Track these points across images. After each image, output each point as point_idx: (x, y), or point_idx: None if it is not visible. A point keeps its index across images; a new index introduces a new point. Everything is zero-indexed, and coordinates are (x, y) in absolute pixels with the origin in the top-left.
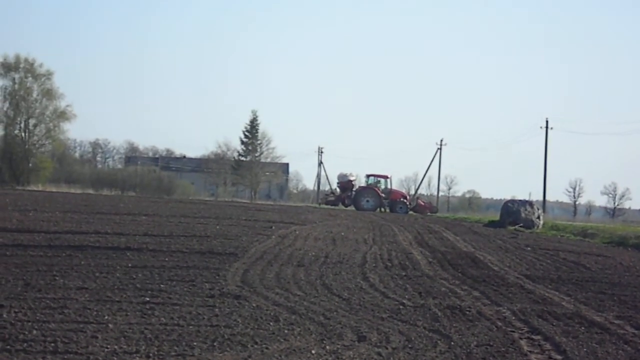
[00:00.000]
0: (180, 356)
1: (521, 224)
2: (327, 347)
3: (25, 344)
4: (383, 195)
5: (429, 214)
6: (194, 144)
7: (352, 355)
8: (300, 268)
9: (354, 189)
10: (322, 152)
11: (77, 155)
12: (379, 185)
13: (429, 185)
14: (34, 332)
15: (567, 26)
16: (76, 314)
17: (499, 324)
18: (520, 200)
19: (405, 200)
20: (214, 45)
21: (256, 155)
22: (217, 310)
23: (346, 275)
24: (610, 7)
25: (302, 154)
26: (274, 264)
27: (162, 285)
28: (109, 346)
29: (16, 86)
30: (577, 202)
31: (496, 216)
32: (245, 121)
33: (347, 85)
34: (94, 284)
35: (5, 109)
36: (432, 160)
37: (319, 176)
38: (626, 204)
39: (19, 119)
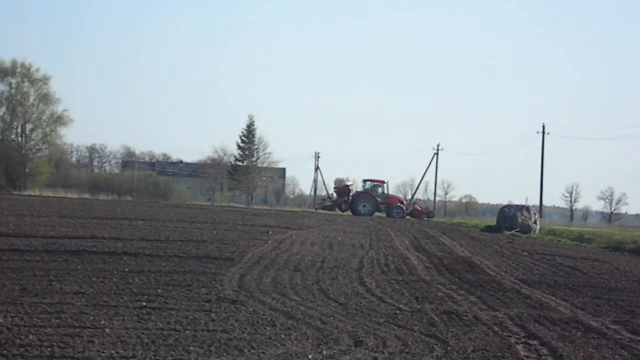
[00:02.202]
0: None
1: (518, 229)
2: (324, 352)
3: (22, 349)
4: (380, 200)
5: (425, 218)
6: (191, 148)
7: None
8: (297, 273)
9: (350, 194)
10: (318, 157)
11: (73, 160)
12: (376, 190)
13: (425, 190)
14: (31, 336)
15: (564, 31)
16: (73, 319)
17: (496, 328)
18: (517, 205)
19: (402, 205)
20: (210, 50)
21: (253, 160)
22: (213, 315)
23: (343, 280)
24: (608, 12)
25: (298, 159)
26: (270, 268)
27: (158, 290)
28: (105, 351)
29: (13, 91)
30: (573, 207)
31: (493, 221)
32: (242, 126)
33: (344, 90)
34: (91, 289)
35: (1, 113)
36: (428, 165)
37: (315, 181)
38: (623, 209)
39: (15, 123)
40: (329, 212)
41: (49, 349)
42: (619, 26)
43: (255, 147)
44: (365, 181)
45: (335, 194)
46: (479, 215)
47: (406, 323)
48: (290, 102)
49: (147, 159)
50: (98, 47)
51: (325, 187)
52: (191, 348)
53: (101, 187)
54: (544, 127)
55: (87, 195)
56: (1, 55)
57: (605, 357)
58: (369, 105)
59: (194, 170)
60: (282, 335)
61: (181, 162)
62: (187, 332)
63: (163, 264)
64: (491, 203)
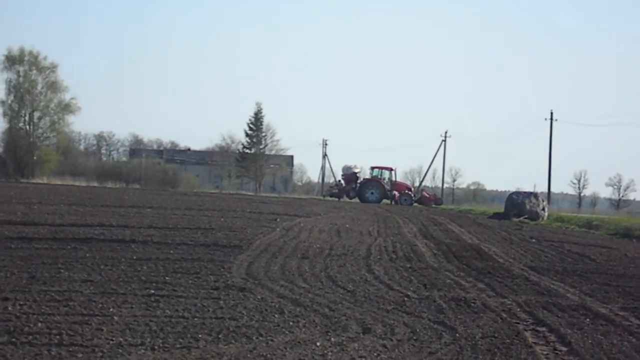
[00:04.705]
0: (185, 348)
1: (526, 216)
2: (332, 339)
3: (30, 337)
4: (387, 187)
5: (433, 205)
6: (199, 136)
7: (357, 347)
8: (305, 260)
9: (358, 181)
10: (326, 145)
11: (81, 148)
12: (383, 177)
13: (433, 177)
14: (39, 324)
15: (571, 17)
16: (81, 307)
17: (504, 315)
18: (525, 192)
19: (409, 192)
20: (218, 38)
21: (261, 147)
22: (222, 302)
23: (351, 267)
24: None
25: (306, 147)
26: (278, 256)
27: (167, 278)
28: (114, 338)
29: (21, 79)
30: (582, 194)
31: (501, 208)
32: (249, 113)
33: (352, 77)
34: (99, 277)
35: (9, 101)
36: (436, 152)
37: (323, 168)
38: (631, 196)
39: (23, 111)
40: (337, 199)
41: (57, 336)
42: (628, 13)
43: (263, 134)
44: (373, 168)
45: (343, 182)
46: (487, 202)
47: (414, 310)
48: (298, 89)
49: (155, 146)
50: (106, 35)
51: (333, 174)
52: (199, 335)
53: (109, 175)
54: (552, 113)
55: (95, 183)
56: (9, 43)
57: (614, 343)
58: (377, 93)
59: (202, 158)
60: (291, 323)
61: (189, 149)
62: (196, 319)
63: (171, 251)
64: (499, 190)
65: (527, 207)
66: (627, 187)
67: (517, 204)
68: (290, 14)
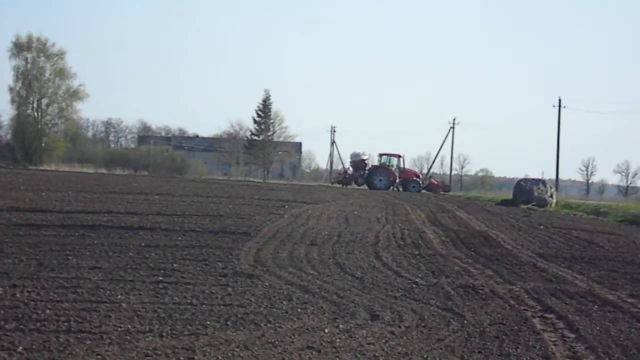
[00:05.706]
0: (193, 335)
1: (534, 203)
2: (340, 326)
3: (38, 324)
4: (396, 174)
5: (441, 192)
6: (207, 123)
7: (365, 334)
8: (313, 247)
9: (366, 168)
10: (334, 131)
11: (89, 134)
12: (391, 164)
13: (441, 164)
14: (47, 311)
15: (580, 2)
16: (89, 294)
17: (512, 302)
18: (533, 179)
19: (418, 179)
20: (226, 24)
21: (269, 134)
22: (230, 289)
23: (359, 254)
24: None
25: (315, 134)
26: (287, 243)
27: (175, 265)
28: (122, 325)
29: (29, 66)
30: (590, 181)
31: (509, 195)
32: (258, 100)
33: (361, 64)
34: (107, 264)
35: (18, 88)
36: (444, 139)
37: (331, 155)
38: (639, 182)
39: (31, 98)
40: (342, 186)
41: (65, 323)
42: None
43: (271, 121)
44: (381, 155)
45: (351, 168)
46: (495, 189)
47: (422, 297)
48: (307, 76)
49: (163, 133)
50: (114, 22)
51: (342, 161)
52: (208, 322)
53: (117, 161)
54: (560, 100)
55: (103, 170)
56: (17, 30)
57: (622, 330)
58: (385, 79)
59: (210, 145)
60: (299, 310)
61: (197, 136)
62: (204, 306)
63: (179, 238)
64: (507, 177)
65: (535, 194)
66: (635, 174)
67: (525, 191)
68: (297, 2)
